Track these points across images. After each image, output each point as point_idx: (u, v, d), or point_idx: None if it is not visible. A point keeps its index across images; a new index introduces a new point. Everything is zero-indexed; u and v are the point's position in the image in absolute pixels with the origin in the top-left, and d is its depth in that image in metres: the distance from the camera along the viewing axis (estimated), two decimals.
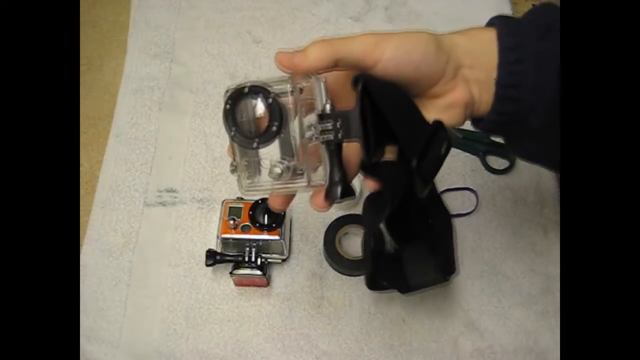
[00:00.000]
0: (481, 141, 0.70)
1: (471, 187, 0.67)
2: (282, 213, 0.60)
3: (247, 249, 0.60)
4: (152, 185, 0.68)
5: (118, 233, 0.65)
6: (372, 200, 0.46)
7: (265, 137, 0.37)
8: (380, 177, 0.40)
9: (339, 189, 0.38)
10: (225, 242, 0.61)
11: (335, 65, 0.39)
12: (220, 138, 0.71)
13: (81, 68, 0.78)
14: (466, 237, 0.64)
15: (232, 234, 0.60)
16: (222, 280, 0.62)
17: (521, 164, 0.69)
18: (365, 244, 0.50)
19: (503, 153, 0.69)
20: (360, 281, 0.62)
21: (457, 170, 0.68)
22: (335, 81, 0.41)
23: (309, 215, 0.66)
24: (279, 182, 0.39)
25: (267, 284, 0.61)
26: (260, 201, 0.62)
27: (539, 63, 0.39)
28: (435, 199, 0.47)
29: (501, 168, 0.68)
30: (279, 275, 0.62)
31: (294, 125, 0.38)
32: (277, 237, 0.59)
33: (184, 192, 0.68)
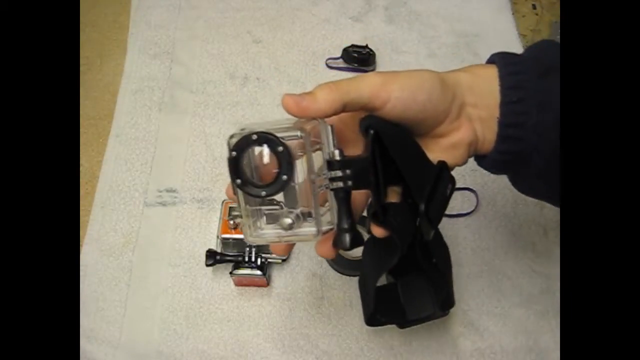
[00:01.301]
0: None
1: (471, 187, 0.67)
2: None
3: (247, 249, 0.60)
4: (152, 185, 0.68)
5: (118, 233, 0.65)
6: (376, 245, 0.44)
7: (275, 187, 0.36)
8: (389, 223, 0.39)
9: (347, 238, 0.37)
10: (225, 242, 0.61)
11: (343, 108, 0.38)
12: (220, 138, 0.71)
13: (81, 68, 0.78)
14: (466, 237, 0.64)
15: (232, 234, 0.60)
16: (222, 280, 0.62)
17: None
18: (366, 281, 0.48)
19: None
20: None
21: (457, 170, 0.68)
22: (339, 121, 0.41)
23: None
24: (285, 232, 0.38)
25: (267, 284, 0.61)
26: None
27: (540, 103, 0.39)
28: (436, 233, 0.46)
29: None
30: (279, 275, 0.62)
31: (300, 173, 0.37)
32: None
33: (184, 192, 0.68)
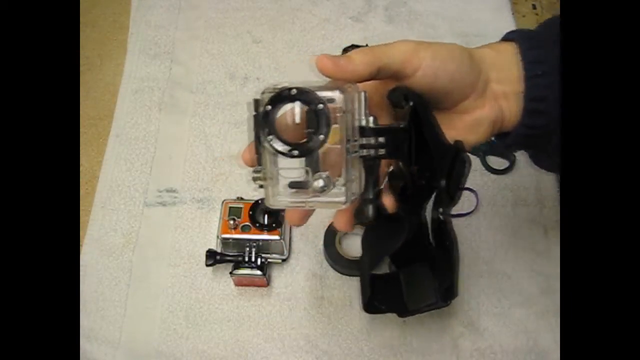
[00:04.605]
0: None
1: (471, 187, 0.67)
2: (282, 213, 0.60)
3: (247, 249, 0.60)
4: (152, 185, 0.68)
5: (118, 233, 0.65)
6: (377, 229, 0.43)
7: (309, 147, 0.34)
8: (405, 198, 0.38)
9: (371, 209, 0.36)
10: (225, 242, 0.61)
11: (377, 73, 0.37)
12: (220, 138, 0.71)
13: (81, 68, 0.78)
14: (466, 237, 0.64)
15: (232, 234, 0.60)
16: (222, 280, 0.62)
17: (521, 164, 0.69)
18: (363, 266, 0.48)
19: (503, 153, 0.69)
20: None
21: None
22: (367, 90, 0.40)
23: None
24: (312, 197, 0.36)
25: (267, 284, 0.61)
26: (260, 201, 0.62)
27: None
28: (446, 222, 0.44)
29: (501, 168, 0.68)
30: (279, 275, 0.62)
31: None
32: (277, 237, 0.59)
33: (184, 192, 0.68)
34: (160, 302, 0.61)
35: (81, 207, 0.67)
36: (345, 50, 0.75)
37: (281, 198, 0.37)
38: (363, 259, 0.48)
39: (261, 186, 0.37)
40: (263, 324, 0.60)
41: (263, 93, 0.35)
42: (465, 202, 0.66)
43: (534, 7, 0.83)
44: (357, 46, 0.74)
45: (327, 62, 0.37)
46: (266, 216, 0.61)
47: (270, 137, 0.34)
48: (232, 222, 0.60)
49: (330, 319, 0.60)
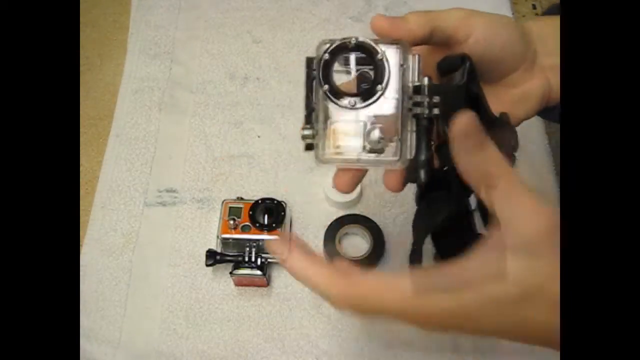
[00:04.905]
0: None
1: None
2: (282, 213, 0.60)
3: (247, 249, 0.60)
4: (152, 185, 0.68)
5: (118, 233, 0.65)
6: (428, 197, 0.40)
7: (368, 97, 0.34)
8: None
9: (423, 172, 0.35)
10: (225, 242, 0.61)
11: (430, 36, 0.37)
12: (220, 138, 0.71)
13: (81, 68, 0.78)
14: None
15: (232, 234, 0.60)
16: (222, 280, 0.62)
17: (521, 164, 0.68)
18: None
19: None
20: None
21: None
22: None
23: (309, 215, 0.66)
24: (365, 152, 0.35)
25: (267, 284, 0.61)
26: (260, 201, 0.62)
27: None
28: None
29: None
30: (279, 275, 0.62)
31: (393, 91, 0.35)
32: (277, 237, 0.59)
33: (184, 192, 0.68)
34: (160, 302, 0.61)
35: (81, 207, 0.67)
36: None
37: (332, 154, 0.36)
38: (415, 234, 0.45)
39: (309, 147, 0.36)
40: (263, 324, 0.60)
41: (323, 43, 0.35)
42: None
43: (534, 7, 0.83)
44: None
45: (383, 22, 0.36)
46: (266, 216, 0.61)
47: (327, 87, 0.35)
48: (232, 222, 0.60)
49: (330, 319, 0.60)
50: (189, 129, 0.72)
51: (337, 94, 0.35)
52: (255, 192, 0.67)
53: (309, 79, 0.36)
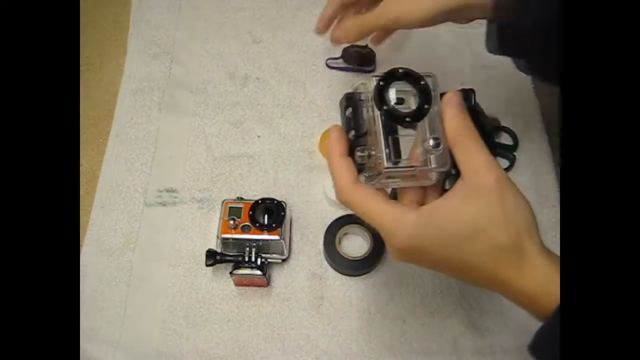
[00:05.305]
0: None
1: None
2: (282, 213, 0.60)
3: (247, 249, 0.60)
4: (152, 185, 0.68)
5: (118, 233, 0.65)
6: None
7: (418, 114, 0.40)
8: None
9: (448, 184, 0.41)
10: (225, 242, 0.61)
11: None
12: (220, 138, 0.71)
13: (81, 68, 0.78)
14: None
15: (232, 234, 0.60)
16: (222, 280, 0.62)
17: (521, 164, 0.69)
18: None
19: (503, 153, 0.69)
20: (360, 281, 0.62)
21: None
22: None
23: (309, 215, 0.66)
24: (418, 165, 0.41)
25: (267, 284, 0.61)
26: (260, 201, 0.62)
27: None
28: None
29: None
30: (279, 275, 0.62)
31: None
32: (277, 237, 0.59)
33: (184, 192, 0.68)
34: (160, 302, 0.61)
35: (81, 207, 0.67)
36: (346, 50, 0.75)
37: (391, 168, 0.41)
38: None
39: (361, 168, 0.42)
40: (263, 324, 0.60)
41: (374, 77, 0.41)
42: None
43: None
44: (358, 46, 0.74)
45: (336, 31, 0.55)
46: (266, 216, 0.61)
47: (385, 107, 0.40)
48: (232, 222, 0.60)
49: (330, 319, 0.60)
50: (189, 129, 0.72)
51: (394, 114, 0.40)
52: (255, 192, 0.67)
53: (354, 111, 0.43)
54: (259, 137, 0.71)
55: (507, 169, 0.68)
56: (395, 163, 0.41)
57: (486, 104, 0.72)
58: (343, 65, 0.76)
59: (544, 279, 0.38)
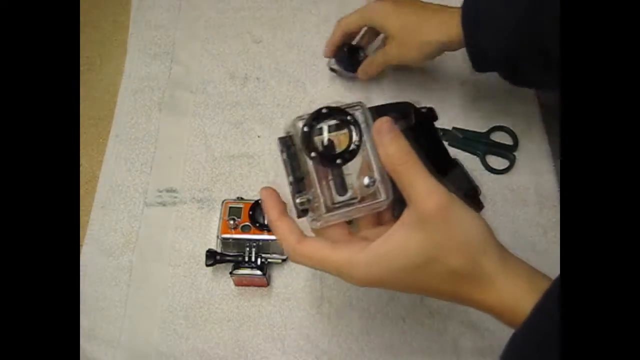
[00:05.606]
0: (481, 141, 0.70)
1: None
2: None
3: (247, 249, 0.60)
4: (152, 185, 0.68)
5: (118, 233, 0.65)
6: None
7: (349, 154, 0.39)
8: None
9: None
10: (225, 242, 0.61)
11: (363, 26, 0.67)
12: (220, 138, 0.71)
13: (81, 68, 0.78)
14: None
15: (232, 234, 0.60)
16: (222, 280, 0.62)
17: (521, 164, 0.69)
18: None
19: (503, 153, 0.69)
20: None
21: None
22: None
23: None
24: (358, 202, 0.40)
25: (267, 284, 0.61)
26: (260, 201, 0.61)
27: None
28: None
29: (501, 168, 0.68)
30: (279, 275, 0.62)
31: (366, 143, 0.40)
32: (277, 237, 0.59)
33: (184, 192, 0.68)
34: (160, 302, 0.61)
35: (81, 207, 0.67)
36: (342, 49, 0.75)
37: (331, 213, 0.41)
38: None
39: (304, 212, 0.41)
40: (263, 324, 0.60)
41: (294, 124, 0.40)
42: None
43: None
44: (354, 46, 0.73)
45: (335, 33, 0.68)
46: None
47: (313, 154, 0.39)
48: (232, 222, 0.60)
49: (330, 319, 0.60)
50: (189, 129, 0.72)
51: (324, 158, 0.39)
52: (255, 192, 0.67)
53: (289, 155, 0.41)
54: (259, 137, 0.71)
55: (507, 169, 0.68)
56: (334, 208, 0.40)
57: (486, 104, 0.73)
58: (337, 67, 0.75)
59: (507, 297, 0.38)
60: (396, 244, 0.39)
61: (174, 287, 0.62)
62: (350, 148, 0.39)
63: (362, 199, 0.40)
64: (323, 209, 0.40)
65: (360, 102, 0.41)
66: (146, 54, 0.78)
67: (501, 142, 0.70)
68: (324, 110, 0.39)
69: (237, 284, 0.61)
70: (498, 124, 0.71)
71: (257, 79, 0.76)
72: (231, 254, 0.60)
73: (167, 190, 0.68)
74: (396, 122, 0.42)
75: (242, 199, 0.63)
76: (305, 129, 0.39)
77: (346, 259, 0.40)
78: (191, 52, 0.79)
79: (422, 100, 0.72)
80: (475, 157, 0.69)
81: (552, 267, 0.62)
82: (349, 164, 0.40)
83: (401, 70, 0.74)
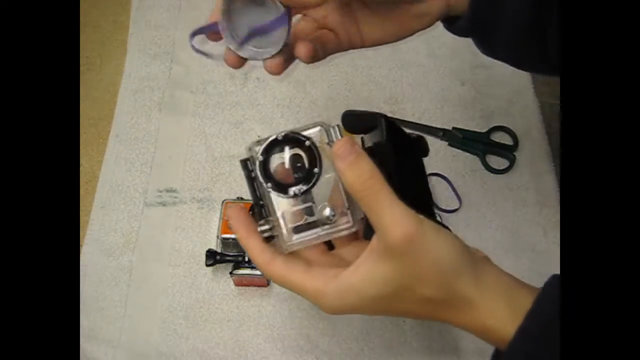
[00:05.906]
0: (481, 141, 0.70)
1: (470, 186, 0.67)
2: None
3: None
4: (152, 185, 0.68)
5: (118, 233, 0.65)
6: None
7: (308, 182, 0.38)
8: None
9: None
10: (225, 242, 0.61)
11: None
12: (220, 138, 0.71)
13: (81, 68, 0.78)
14: (465, 237, 0.64)
15: (232, 233, 0.60)
16: (222, 280, 0.62)
17: (521, 164, 0.69)
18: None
19: (503, 153, 0.69)
20: None
21: (457, 170, 0.68)
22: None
23: None
24: (321, 229, 0.39)
25: (267, 284, 0.61)
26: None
27: None
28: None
29: (501, 168, 0.68)
30: None
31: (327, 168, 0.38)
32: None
33: (184, 192, 0.68)
34: (160, 302, 0.61)
35: (81, 207, 0.67)
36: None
37: (294, 242, 0.39)
38: None
39: (269, 239, 0.39)
40: (263, 324, 0.60)
41: (250, 149, 0.39)
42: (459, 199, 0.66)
43: None
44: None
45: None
46: None
47: (269, 184, 0.38)
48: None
49: (330, 319, 0.60)
50: (189, 129, 0.72)
51: (281, 187, 0.38)
52: None
53: (250, 179, 0.39)
54: (259, 137, 0.71)
55: (507, 169, 0.68)
56: (297, 235, 0.39)
57: (486, 104, 0.73)
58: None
59: (487, 319, 0.37)
60: (366, 274, 0.37)
61: (174, 287, 0.62)
62: (307, 176, 0.38)
63: (327, 225, 0.39)
64: (285, 237, 0.39)
65: (321, 123, 0.38)
66: (146, 54, 0.78)
67: (501, 142, 0.70)
68: (279, 138, 0.38)
69: (237, 284, 0.61)
70: (498, 124, 0.71)
71: (257, 79, 0.76)
72: (231, 254, 0.60)
73: (167, 190, 0.68)
74: (368, 133, 0.41)
75: (242, 199, 0.63)
76: (261, 157, 0.38)
77: (315, 287, 0.38)
78: (191, 52, 0.78)
79: (422, 100, 0.72)
80: (475, 157, 0.69)
81: (552, 267, 0.62)
82: (316, 189, 0.38)
83: (401, 70, 0.74)
